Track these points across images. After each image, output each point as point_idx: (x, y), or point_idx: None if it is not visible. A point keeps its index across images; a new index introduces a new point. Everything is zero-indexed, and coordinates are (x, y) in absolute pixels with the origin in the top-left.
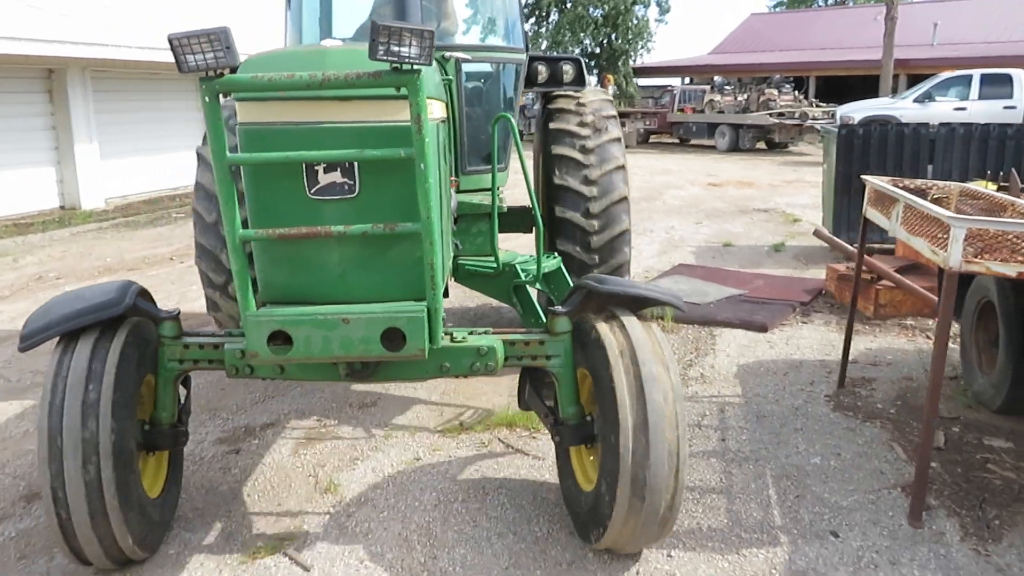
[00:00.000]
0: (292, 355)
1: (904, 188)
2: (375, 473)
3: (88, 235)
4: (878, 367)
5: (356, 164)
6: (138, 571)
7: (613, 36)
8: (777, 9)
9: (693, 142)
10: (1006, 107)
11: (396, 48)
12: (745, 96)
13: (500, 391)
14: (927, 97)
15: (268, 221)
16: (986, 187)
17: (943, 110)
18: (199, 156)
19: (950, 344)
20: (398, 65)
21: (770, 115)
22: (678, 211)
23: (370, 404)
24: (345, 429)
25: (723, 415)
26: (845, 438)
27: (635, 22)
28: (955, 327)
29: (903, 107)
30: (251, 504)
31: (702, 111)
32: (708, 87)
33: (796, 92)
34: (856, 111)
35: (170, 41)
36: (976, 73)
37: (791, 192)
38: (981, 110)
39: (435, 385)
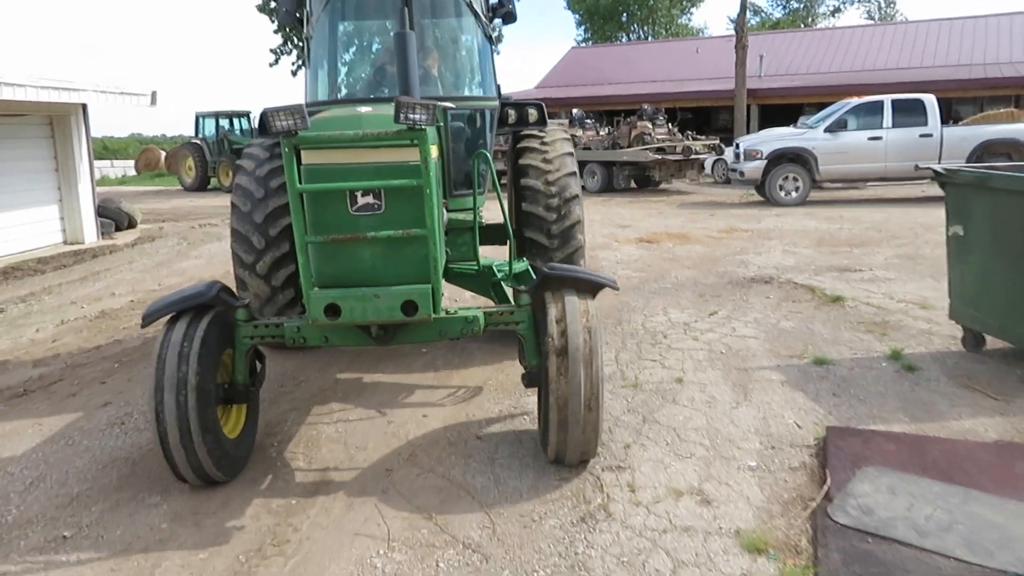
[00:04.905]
0: (342, 320)
1: None
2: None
3: None
4: None
5: (383, 190)
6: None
7: None
8: (583, 44)
9: None
10: (922, 135)
11: (412, 116)
12: (608, 131)
13: None
14: (840, 126)
15: (323, 230)
16: None
17: (858, 139)
18: (239, 167)
19: None
20: (412, 126)
21: (648, 150)
22: (649, 288)
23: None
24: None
25: None
26: None
27: None
28: None
29: (815, 137)
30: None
31: None
32: (567, 121)
33: (670, 125)
34: (760, 143)
35: (262, 112)
36: (887, 99)
37: (750, 249)
38: (897, 138)
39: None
